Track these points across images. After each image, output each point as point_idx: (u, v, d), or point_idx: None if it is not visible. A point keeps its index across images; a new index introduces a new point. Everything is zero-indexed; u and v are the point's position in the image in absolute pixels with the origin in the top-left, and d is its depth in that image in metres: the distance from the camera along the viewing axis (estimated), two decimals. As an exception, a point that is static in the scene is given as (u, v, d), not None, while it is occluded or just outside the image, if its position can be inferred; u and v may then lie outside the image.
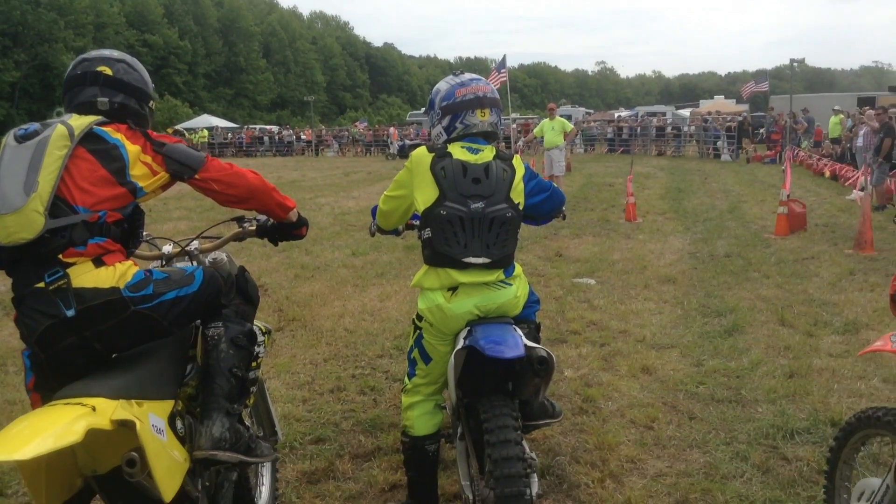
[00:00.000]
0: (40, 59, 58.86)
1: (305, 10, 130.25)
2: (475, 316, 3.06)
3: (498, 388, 3.00)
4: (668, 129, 36.48)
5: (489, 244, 3.02)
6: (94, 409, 2.08)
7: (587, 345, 6.01)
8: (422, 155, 3.14)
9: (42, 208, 2.35)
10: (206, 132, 45.03)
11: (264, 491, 3.46)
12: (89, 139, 2.52)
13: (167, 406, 2.44)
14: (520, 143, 18.84)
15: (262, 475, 3.50)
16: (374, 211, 3.51)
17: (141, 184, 2.58)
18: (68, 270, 2.38)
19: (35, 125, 2.52)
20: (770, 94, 37.91)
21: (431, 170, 3.07)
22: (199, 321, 2.81)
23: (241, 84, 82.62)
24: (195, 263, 3.04)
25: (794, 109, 27.79)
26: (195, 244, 3.14)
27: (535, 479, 2.97)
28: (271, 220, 3.15)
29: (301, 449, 4.23)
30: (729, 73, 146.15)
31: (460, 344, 2.97)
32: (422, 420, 3.25)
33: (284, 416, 4.57)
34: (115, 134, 2.57)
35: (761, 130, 32.50)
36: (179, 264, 3.01)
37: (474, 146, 3.16)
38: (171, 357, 2.65)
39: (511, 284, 3.11)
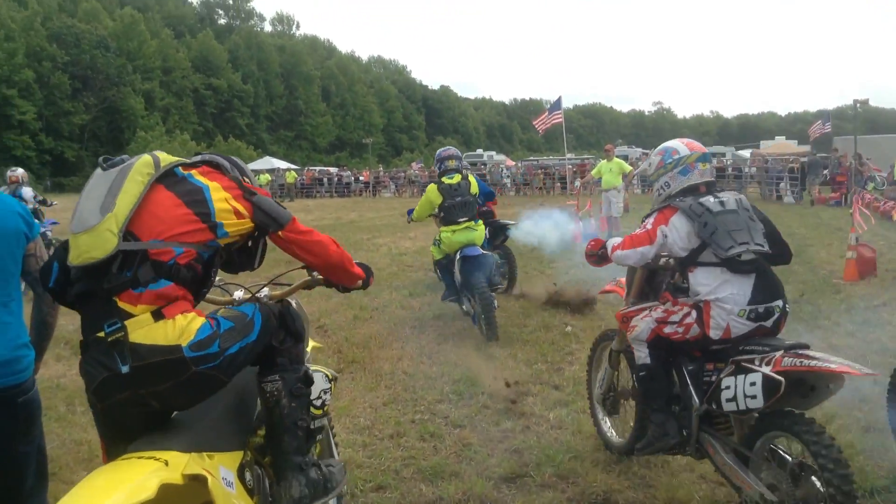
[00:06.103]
0: (109, 103, 61.33)
1: (364, 55, 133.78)
2: (463, 244, 7.65)
3: (477, 273, 7.56)
4: (729, 171, 35.77)
5: (465, 212, 7.70)
6: (166, 463, 2.08)
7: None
8: (433, 186, 8.01)
9: (116, 228, 2.29)
10: (268, 176, 43.16)
11: (327, 539, 3.42)
12: (171, 177, 2.50)
13: (237, 457, 2.44)
14: (577, 183, 18.76)
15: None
16: (409, 212, 8.55)
17: (224, 221, 2.51)
18: (126, 322, 2.27)
19: (125, 156, 2.52)
20: (833, 135, 37.06)
21: (439, 189, 7.85)
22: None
23: (301, 126, 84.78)
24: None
25: (858, 151, 27.07)
26: (265, 291, 3.14)
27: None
28: None
29: (362, 496, 4.19)
30: (789, 112, 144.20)
31: (458, 258, 7.72)
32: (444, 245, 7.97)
33: (345, 462, 4.53)
34: (198, 176, 2.55)
35: (825, 172, 31.69)
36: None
37: (452, 174, 7.95)
38: (239, 407, 2.66)
39: (477, 229, 7.75)
